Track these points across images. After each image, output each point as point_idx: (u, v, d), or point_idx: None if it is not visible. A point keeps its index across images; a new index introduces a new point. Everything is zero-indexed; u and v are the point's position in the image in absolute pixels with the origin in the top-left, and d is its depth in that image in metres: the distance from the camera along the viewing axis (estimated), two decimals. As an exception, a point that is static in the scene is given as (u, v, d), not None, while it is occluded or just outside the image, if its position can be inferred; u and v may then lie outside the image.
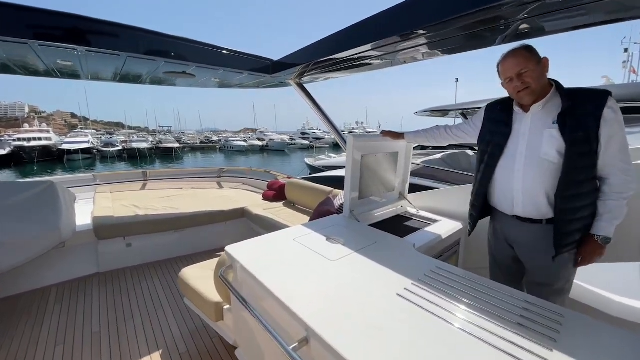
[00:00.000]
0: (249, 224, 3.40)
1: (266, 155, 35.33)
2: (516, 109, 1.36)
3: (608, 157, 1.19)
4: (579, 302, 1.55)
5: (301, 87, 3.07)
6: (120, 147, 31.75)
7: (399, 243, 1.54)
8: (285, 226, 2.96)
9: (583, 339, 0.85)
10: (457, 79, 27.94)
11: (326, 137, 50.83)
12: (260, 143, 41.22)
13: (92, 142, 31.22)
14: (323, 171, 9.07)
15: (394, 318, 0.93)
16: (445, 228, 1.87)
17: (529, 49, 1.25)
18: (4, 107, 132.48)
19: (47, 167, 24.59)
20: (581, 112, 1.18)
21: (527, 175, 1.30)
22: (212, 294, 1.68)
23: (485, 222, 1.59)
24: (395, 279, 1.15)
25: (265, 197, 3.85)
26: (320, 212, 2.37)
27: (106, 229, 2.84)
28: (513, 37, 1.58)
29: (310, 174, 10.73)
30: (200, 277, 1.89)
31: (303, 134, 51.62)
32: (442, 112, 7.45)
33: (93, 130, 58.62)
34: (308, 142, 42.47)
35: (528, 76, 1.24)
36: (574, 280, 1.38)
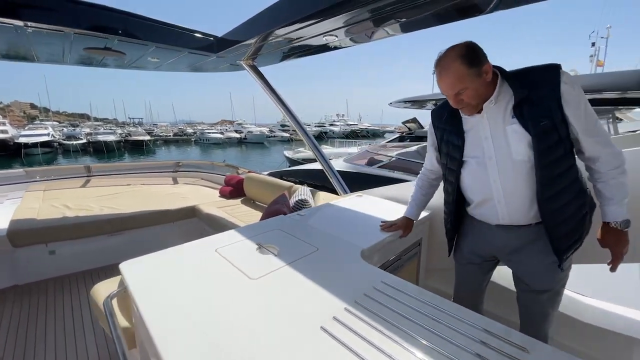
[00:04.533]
0: (200, 225, 3.05)
1: (244, 148, 34.39)
2: (464, 116, 1.13)
3: (588, 136, 1.00)
4: (571, 316, 1.38)
5: (255, 70, 2.73)
6: (84, 140, 29.71)
7: (346, 247, 1.28)
8: (238, 227, 2.66)
9: None
10: (434, 71, 27.82)
11: (307, 129, 50.08)
12: (237, 135, 40.02)
13: (52, 135, 28.94)
14: (302, 164, 8.81)
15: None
16: None
17: (467, 59, 0.97)
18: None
19: (2, 162, 22.50)
20: (537, 97, 0.98)
21: (506, 183, 1.07)
22: (127, 315, 1.37)
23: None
24: (325, 303, 0.89)
25: (222, 194, 3.49)
26: (270, 212, 2.08)
27: (24, 234, 2.41)
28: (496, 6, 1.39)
29: (289, 166, 10.43)
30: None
31: (283, 126, 50.71)
32: (419, 103, 7.35)
33: (55, 122, 54.49)
34: (288, 135, 41.65)
35: (466, 96, 1.01)
36: (564, 291, 1.20)
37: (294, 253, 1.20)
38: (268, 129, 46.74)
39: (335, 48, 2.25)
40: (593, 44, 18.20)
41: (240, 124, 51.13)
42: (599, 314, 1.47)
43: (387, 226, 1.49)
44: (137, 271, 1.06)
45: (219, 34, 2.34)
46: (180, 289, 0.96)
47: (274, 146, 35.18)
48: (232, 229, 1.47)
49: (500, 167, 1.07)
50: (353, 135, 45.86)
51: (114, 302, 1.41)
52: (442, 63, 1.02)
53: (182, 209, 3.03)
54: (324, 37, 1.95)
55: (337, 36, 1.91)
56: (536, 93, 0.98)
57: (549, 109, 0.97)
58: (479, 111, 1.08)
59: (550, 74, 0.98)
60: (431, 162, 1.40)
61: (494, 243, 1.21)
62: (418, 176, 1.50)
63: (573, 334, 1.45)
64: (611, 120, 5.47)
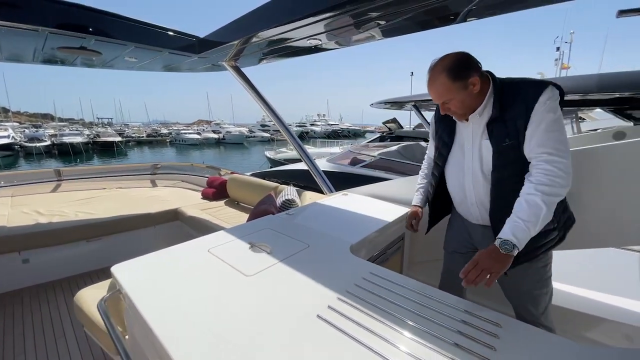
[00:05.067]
0: (183, 228, 3.00)
1: (223, 149, 33.67)
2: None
3: (530, 147, 0.99)
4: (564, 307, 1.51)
5: (237, 70, 2.72)
6: (48, 142, 27.84)
7: (335, 243, 1.34)
8: (225, 228, 2.66)
9: (520, 350, 0.74)
10: (412, 73, 28.73)
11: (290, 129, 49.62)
12: (215, 136, 39.10)
13: (13, 137, 26.86)
14: (284, 164, 8.79)
15: (313, 351, 0.73)
16: (390, 216, 1.71)
17: (453, 73, 1.02)
18: None
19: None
20: (511, 115, 1.01)
21: (479, 190, 1.16)
22: (115, 319, 1.35)
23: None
24: (320, 294, 0.95)
25: (205, 196, 3.45)
26: (257, 213, 2.10)
27: (-8, 243, 2.28)
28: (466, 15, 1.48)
29: (270, 167, 10.35)
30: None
31: (263, 125, 50.07)
32: (398, 104, 7.57)
33: (15, 123, 50.60)
34: (269, 135, 41.18)
35: (452, 105, 1.09)
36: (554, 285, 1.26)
37: (285, 250, 1.25)
38: (247, 129, 45.97)
39: (319, 50, 2.29)
40: (558, 49, 19.46)
41: (218, 124, 49.97)
42: (569, 297, 1.63)
43: (409, 225, 1.53)
44: (130, 273, 1.06)
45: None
46: (176, 289, 0.98)
47: (254, 147, 34.70)
48: (218, 231, 1.49)
49: (474, 176, 1.16)
50: (334, 135, 46.20)
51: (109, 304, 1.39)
52: (431, 73, 1.08)
53: (163, 212, 2.97)
54: (308, 40, 2.00)
55: (321, 40, 1.97)
56: (511, 111, 1.02)
57: (516, 129, 1.00)
58: (468, 119, 1.14)
59: (532, 91, 0.99)
60: (431, 150, 1.48)
61: (475, 238, 1.30)
62: (422, 165, 1.59)
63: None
64: (574, 119, 5.91)
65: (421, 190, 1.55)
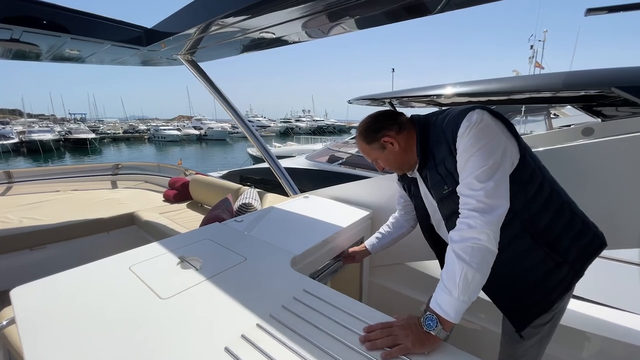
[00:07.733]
0: (139, 233, 2.82)
1: (205, 146, 32.86)
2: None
3: (460, 192, 0.85)
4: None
5: (194, 65, 2.55)
6: (16, 140, 26.29)
7: (277, 255, 1.24)
8: (179, 234, 2.50)
9: None
10: (393, 69, 28.59)
11: (272, 125, 49.15)
12: (197, 132, 38.15)
13: None
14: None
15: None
16: (347, 221, 1.62)
17: (364, 137, 1.03)
18: None
19: None
20: (440, 158, 0.92)
21: (445, 236, 1.09)
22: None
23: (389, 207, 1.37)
24: (238, 320, 0.84)
25: (166, 198, 3.27)
26: (209, 219, 1.97)
27: None
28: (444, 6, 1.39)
29: (253, 164, 10.11)
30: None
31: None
32: (377, 100, 7.47)
33: (-22, 120, 47.49)
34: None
35: (382, 164, 1.08)
36: None
37: (218, 266, 1.13)
38: (230, 125, 45.07)
39: (293, 42, 2.11)
40: (531, 47, 19.90)
41: (199, 119, 48.66)
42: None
43: (346, 254, 1.48)
44: (29, 299, 0.92)
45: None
46: (76, 318, 0.85)
47: (237, 143, 34.08)
48: (173, 236, 1.36)
49: (436, 223, 1.11)
50: (320, 131, 46.04)
51: (12, 330, 1.24)
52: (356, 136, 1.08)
53: (118, 216, 2.78)
54: (276, 29, 1.82)
55: (290, 30, 1.80)
56: (440, 154, 0.92)
57: (448, 172, 0.90)
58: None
59: (451, 128, 0.87)
60: (399, 199, 1.34)
61: None
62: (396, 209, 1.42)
63: None
64: (547, 116, 6.05)
65: (379, 236, 1.41)
